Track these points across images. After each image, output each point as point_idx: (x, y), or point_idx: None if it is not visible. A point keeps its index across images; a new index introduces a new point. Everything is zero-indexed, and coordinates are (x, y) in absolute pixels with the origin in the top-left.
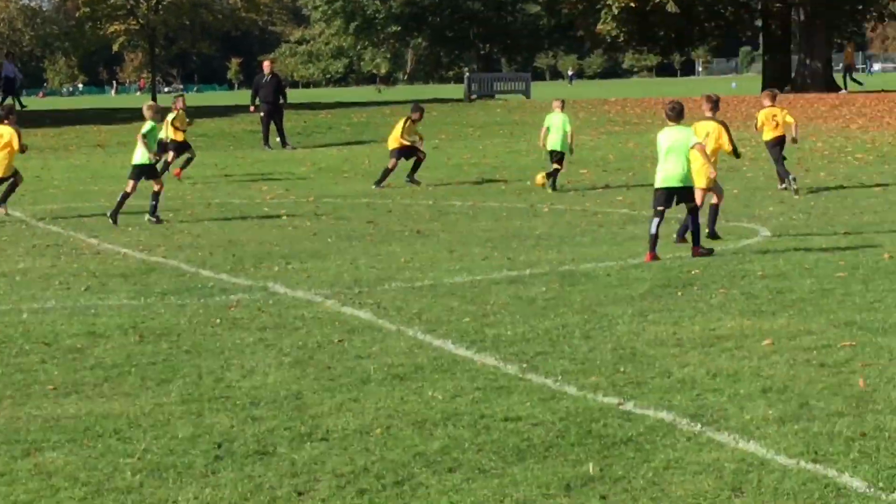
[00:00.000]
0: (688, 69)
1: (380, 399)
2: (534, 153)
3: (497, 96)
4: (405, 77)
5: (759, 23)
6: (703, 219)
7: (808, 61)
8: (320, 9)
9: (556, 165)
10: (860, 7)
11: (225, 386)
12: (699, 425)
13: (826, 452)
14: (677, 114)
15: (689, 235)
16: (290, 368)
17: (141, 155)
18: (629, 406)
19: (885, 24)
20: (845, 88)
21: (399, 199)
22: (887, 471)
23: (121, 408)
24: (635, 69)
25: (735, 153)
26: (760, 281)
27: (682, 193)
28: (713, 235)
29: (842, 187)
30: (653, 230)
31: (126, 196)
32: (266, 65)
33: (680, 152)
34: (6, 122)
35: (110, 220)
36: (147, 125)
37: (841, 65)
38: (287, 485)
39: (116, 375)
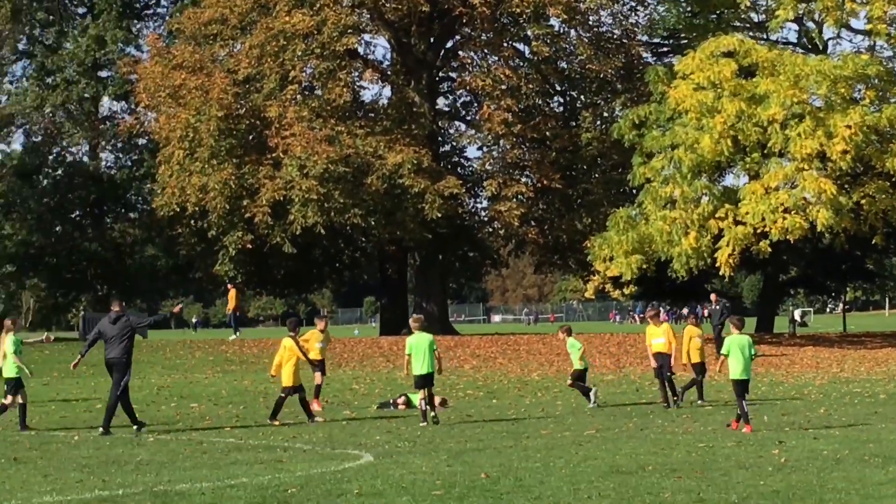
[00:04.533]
0: (313, 319)
1: None
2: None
3: None
4: (26, 325)
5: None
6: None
7: (424, 305)
8: None
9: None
10: (472, 254)
11: None
12: None
13: None
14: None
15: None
16: None
17: None
18: None
19: (505, 277)
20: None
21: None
22: None
23: None
24: (261, 318)
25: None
26: (357, 499)
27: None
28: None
29: (449, 419)
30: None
31: None
32: None
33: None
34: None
35: None
36: None
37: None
38: None
39: None
